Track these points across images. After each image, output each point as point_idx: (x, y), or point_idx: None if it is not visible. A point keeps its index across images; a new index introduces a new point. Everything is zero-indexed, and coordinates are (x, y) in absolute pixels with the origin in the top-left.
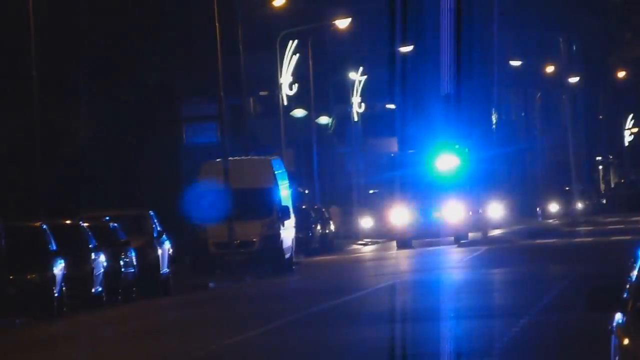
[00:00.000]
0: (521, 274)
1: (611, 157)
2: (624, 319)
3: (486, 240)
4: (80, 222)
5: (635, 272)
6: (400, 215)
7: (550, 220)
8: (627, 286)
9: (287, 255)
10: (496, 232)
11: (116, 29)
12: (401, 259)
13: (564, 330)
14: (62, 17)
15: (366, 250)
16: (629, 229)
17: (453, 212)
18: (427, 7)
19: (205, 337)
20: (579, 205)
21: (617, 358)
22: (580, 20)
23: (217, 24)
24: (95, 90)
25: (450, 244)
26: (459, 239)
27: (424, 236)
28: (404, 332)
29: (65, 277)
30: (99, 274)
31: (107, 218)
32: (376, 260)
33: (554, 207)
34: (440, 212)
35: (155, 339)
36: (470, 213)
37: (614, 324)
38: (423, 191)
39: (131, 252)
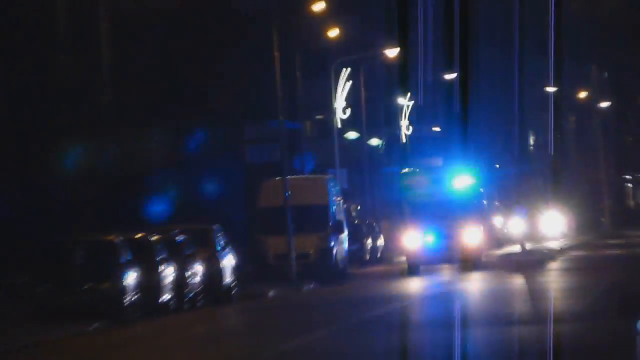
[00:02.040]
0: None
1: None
2: None
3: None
4: (151, 236)
5: None
6: (410, 238)
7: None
8: None
9: (341, 266)
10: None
11: (182, 56)
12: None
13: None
14: (130, 45)
15: None
16: None
17: (466, 234)
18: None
19: (270, 340)
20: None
21: None
22: (610, 51)
23: (276, 53)
24: (166, 115)
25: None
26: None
27: (433, 262)
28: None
29: (136, 286)
30: (167, 284)
31: (176, 232)
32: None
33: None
34: (453, 236)
35: (221, 342)
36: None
37: (638, 327)
38: (433, 212)
39: (197, 263)
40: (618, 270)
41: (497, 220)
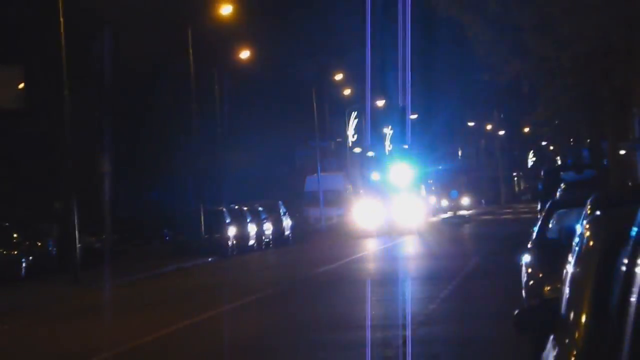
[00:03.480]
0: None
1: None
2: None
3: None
4: (243, 207)
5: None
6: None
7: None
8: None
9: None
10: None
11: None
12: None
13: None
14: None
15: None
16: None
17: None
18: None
19: (311, 263)
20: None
21: None
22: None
23: (315, 104)
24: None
25: None
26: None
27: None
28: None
29: (234, 236)
30: (252, 234)
31: (256, 205)
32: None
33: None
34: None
35: (285, 266)
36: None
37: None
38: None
39: (269, 223)
40: (509, 225)
41: (432, 199)
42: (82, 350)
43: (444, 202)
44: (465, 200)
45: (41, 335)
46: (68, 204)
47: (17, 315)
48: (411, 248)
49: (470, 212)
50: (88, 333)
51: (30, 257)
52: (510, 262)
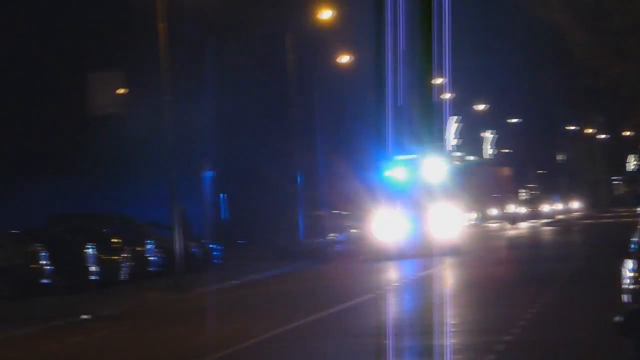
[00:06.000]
0: None
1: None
2: None
3: None
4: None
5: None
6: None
7: None
8: None
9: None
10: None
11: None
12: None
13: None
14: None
15: (493, 226)
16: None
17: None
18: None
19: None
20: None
21: None
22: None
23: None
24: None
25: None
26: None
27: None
28: None
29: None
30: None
31: (356, 209)
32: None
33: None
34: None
35: (383, 271)
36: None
37: None
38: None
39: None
40: (609, 229)
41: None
42: (189, 352)
43: (544, 207)
44: (565, 205)
45: (151, 337)
46: (171, 209)
47: (127, 318)
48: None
49: (569, 216)
50: (193, 336)
51: (131, 262)
52: (611, 267)
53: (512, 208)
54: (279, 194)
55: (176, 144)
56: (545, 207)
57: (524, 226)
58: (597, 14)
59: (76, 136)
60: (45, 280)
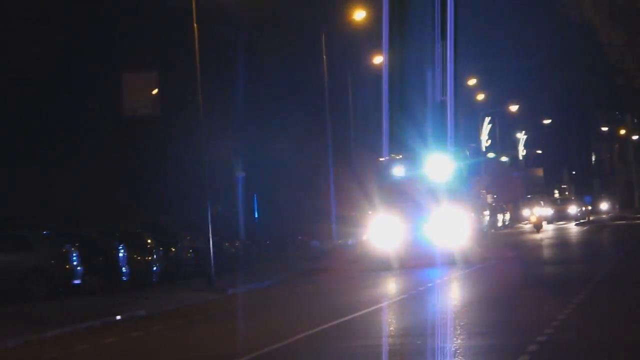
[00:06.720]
0: None
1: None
2: None
3: None
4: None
5: None
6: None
7: None
8: None
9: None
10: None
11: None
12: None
13: None
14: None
15: (525, 227)
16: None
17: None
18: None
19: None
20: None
21: None
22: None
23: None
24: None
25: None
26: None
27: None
28: None
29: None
30: None
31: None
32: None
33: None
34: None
35: (414, 274)
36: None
37: None
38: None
39: None
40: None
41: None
42: (228, 351)
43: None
44: (599, 205)
45: (189, 336)
46: (204, 210)
47: (162, 318)
48: None
49: (602, 217)
50: (227, 336)
51: (164, 263)
52: None
53: (540, 211)
54: (312, 194)
55: (209, 144)
56: (578, 208)
57: (553, 228)
58: (629, 15)
59: (109, 137)
60: (78, 281)
